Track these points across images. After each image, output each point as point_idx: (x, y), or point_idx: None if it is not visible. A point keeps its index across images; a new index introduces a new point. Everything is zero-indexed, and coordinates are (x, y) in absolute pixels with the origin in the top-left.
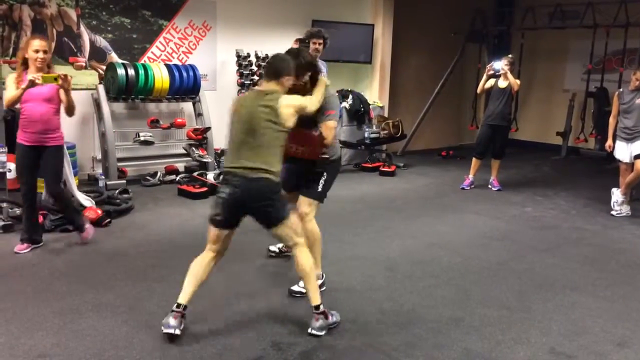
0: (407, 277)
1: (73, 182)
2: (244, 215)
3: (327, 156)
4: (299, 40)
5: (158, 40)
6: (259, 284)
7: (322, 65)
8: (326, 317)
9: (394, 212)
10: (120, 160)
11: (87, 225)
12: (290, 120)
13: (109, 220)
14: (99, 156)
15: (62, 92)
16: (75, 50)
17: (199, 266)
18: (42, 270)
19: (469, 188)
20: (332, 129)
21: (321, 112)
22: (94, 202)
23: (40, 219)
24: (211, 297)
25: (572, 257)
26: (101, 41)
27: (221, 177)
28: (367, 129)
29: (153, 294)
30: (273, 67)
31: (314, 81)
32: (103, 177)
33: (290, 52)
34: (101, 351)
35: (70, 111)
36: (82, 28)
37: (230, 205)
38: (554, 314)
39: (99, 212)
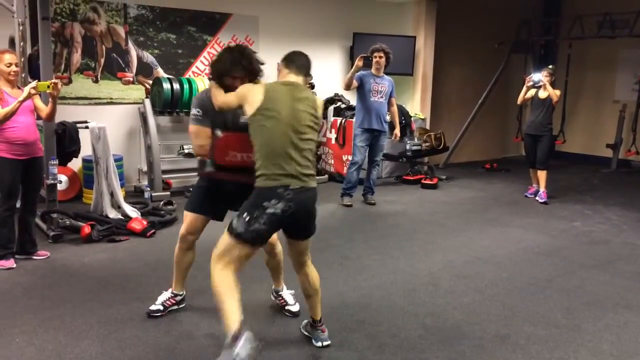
0: (450, 292)
1: (120, 194)
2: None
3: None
4: (363, 57)
5: (202, 55)
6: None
7: (387, 81)
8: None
9: (436, 225)
10: (165, 172)
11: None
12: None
13: (153, 231)
14: (145, 168)
15: (50, 99)
16: (123, 66)
17: (234, 284)
18: (89, 279)
19: (532, 196)
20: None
21: None
22: (139, 213)
23: (89, 229)
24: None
25: (624, 274)
26: (148, 57)
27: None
28: (408, 141)
29: (194, 305)
30: (307, 63)
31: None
32: (148, 188)
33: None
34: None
35: (52, 118)
36: (130, 44)
37: (280, 222)
38: (605, 333)
39: (144, 223)
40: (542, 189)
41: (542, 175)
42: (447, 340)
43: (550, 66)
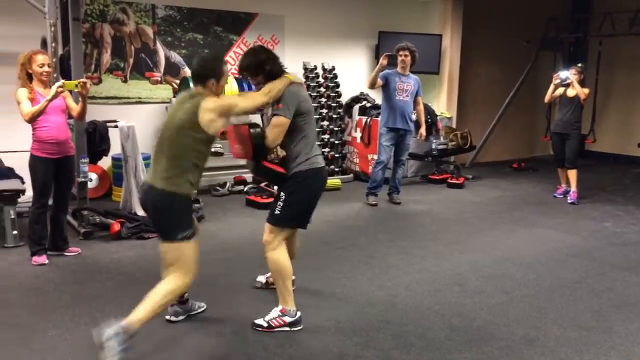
0: (477, 292)
1: None
2: None
3: (277, 168)
4: (387, 56)
5: (228, 54)
6: (309, 299)
7: (413, 79)
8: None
9: (462, 225)
10: None
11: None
12: (211, 127)
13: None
14: None
15: (80, 98)
16: (151, 66)
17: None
18: (119, 275)
19: (561, 196)
20: (274, 128)
21: (272, 106)
22: None
23: (118, 226)
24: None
25: None
26: (175, 57)
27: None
28: (434, 140)
29: (222, 301)
30: (196, 69)
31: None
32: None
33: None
34: (172, 356)
35: (83, 117)
36: (158, 44)
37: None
38: (637, 336)
39: None
40: (572, 189)
41: (571, 174)
42: (474, 341)
43: (579, 64)
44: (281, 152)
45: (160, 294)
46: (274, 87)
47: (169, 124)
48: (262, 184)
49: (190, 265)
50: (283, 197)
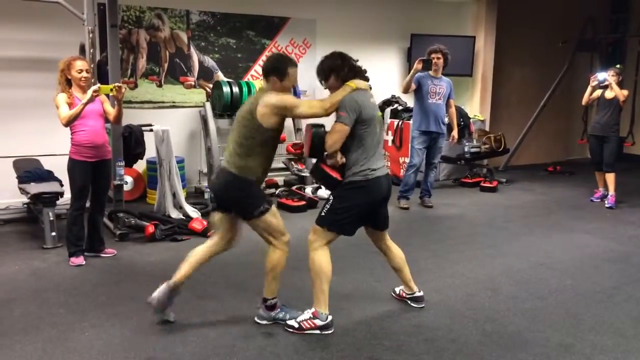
0: (511, 297)
1: (182, 194)
2: None
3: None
4: (422, 60)
5: (261, 58)
6: (350, 300)
7: (445, 82)
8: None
9: (496, 229)
10: None
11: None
12: (264, 120)
13: (213, 231)
14: (205, 170)
15: (116, 102)
16: (185, 70)
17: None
18: (154, 277)
19: (598, 201)
20: (333, 133)
21: (337, 112)
22: (200, 214)
23: (152, 228)
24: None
25: None
26: (209, 61)
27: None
28: (467, 143)
29: (252, 304)
30: (266, 65)
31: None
32: (209, 190)
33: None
34: (205, 357)
35: (119, 121)
36: (192, 49)
37: None
38: None
39: (205, 223)
40: (610, 193)
41: (610, 178)
42: (507, 347)
43: (617, 65)
44: (341, 159)
45: (269, 267)
46: (332, 99)
47: (238, 113)
48: (294, 187)
49: (278, 229)
50: (331, 201)
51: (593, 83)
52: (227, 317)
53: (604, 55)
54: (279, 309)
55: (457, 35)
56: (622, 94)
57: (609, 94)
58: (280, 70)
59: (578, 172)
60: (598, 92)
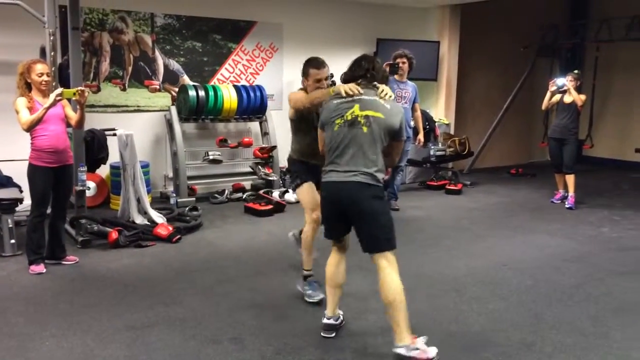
0: (475, 298)
1: (146, 200)
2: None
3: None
4: (389, 65)
5: (227, 62)
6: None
7: (410, 86)
8: None
9: (460, 231)
10: (190, 178)
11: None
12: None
13: (179, 236)
14: (171, 174)
15: (78, 106)
16: (150, 74)
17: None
18: (117, 284)
19: (559, 202)
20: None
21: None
22: (165, 219)
23: (116, 234)
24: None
25: None
26: (174, 65)
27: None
28: (432, 147)
29: (219, 309)
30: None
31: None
32: (174, 194)
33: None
34: None
35: (81, 125)
36: (157, 53)
37: None
38: (634, 341)
39: (170, 228)
40: (570, 194)
41: (569, 179)
42: (471, 347)
43: (576, 71)
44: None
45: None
46: (313, 94)
47: None
48: (261, 191)
49: (308, 203)
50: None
51: (552, 88)
52: (193, 322)
53: (563, 60)
54: (307, 284)
55: (422, 40)
56: (580, 98)
57: (567, 99)
58: (303, 71)
59: (539, 174)
60: (557, 97)
